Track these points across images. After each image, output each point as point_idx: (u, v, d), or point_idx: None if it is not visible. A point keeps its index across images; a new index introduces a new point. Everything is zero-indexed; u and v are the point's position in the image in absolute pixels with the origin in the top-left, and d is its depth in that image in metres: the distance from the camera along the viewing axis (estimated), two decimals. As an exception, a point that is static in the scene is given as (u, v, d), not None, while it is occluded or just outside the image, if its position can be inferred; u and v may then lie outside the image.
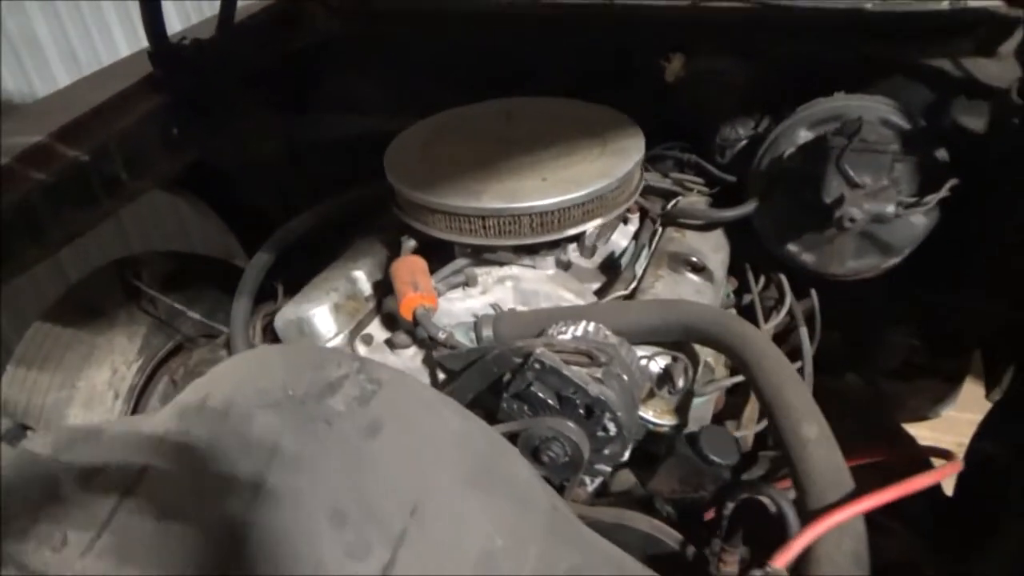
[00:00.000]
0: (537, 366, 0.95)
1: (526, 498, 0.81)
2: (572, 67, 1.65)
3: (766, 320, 1.38)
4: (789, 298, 1.42)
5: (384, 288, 1.36)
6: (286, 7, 1.89)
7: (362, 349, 1.25)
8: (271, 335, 1.42)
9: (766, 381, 0.92)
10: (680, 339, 1.08)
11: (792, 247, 1.40)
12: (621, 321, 1.05)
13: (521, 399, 0.97)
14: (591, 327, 1.02)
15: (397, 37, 1.81)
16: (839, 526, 0.77)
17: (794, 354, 1.27)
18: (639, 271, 1.30)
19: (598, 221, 1.21)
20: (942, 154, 1.29)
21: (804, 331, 1.39)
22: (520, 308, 1.25)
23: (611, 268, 1.41)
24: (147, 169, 1.58)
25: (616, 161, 1.23)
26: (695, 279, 1.29)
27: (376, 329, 1.29)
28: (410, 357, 1.22)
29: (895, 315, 1.61)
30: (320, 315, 1.26)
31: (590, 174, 1.19)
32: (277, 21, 1.87)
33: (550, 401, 0.95)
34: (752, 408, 1.31)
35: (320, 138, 1.81)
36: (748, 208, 1.35)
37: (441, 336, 1.10)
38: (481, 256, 1.27)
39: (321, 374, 0.83)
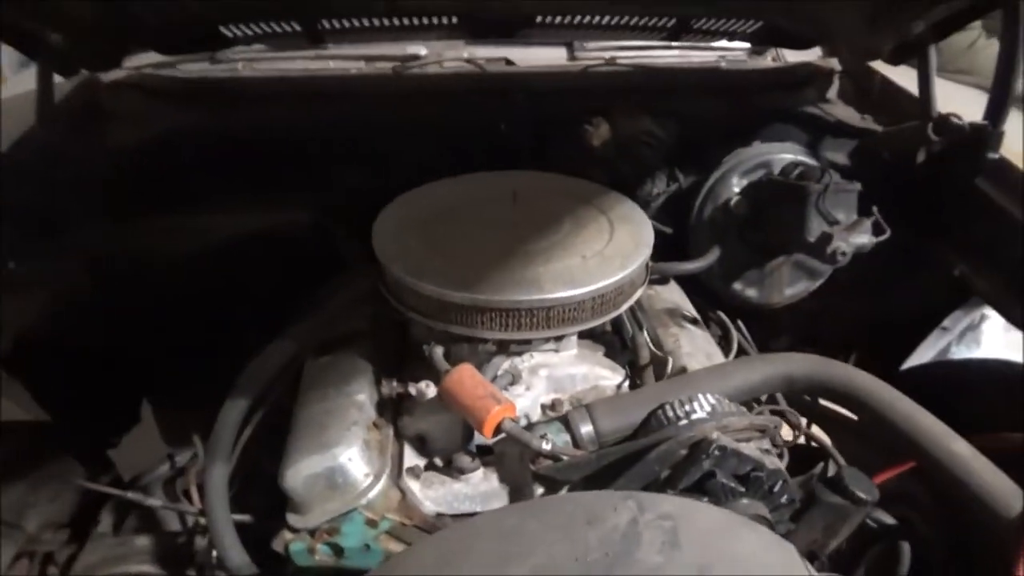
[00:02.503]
0: (717, 452, 0.89)
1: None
2: (464, 144, 1.58)
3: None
4: (735, 333, 1.52)
5: (391, 407, 1.16)
6: (99, 95, 1.52)
7: (415, 486, 1.05)
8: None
9: (895, 414, 0.98)
10: (777, 391, 1.10)
11: (737, 285, 1.51)
12: (729, 385, 1.03)
13: (699, 491, 0.90)
14: (712, 398, 0.99)
15: (259, 121, 1.55)
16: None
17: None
18: (647, 334, 1.29)
19: (641, 291, 1.18)
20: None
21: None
22: (554, 396, 1.16)
23: (597, 334, 1.37)
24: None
25: (636, 229, 1.20)
26: (698, 331, 1.32)
27: (412, 457, 1.10)
28: (481, 480, 1.06)
29: (786, 324, 1.81)
30: (355, 458, 1.03)
31: (626, 246, 1.15)
32: (93, 110, 1.50)
33: (733, 485, 0.91)
34: None
35: (178, 248, 1.49)
36: (713, 257, 1.42)
37: (547, 446, 0.97)
38: (508, 349, 1.15)
39: (604, 526, 0.69)
